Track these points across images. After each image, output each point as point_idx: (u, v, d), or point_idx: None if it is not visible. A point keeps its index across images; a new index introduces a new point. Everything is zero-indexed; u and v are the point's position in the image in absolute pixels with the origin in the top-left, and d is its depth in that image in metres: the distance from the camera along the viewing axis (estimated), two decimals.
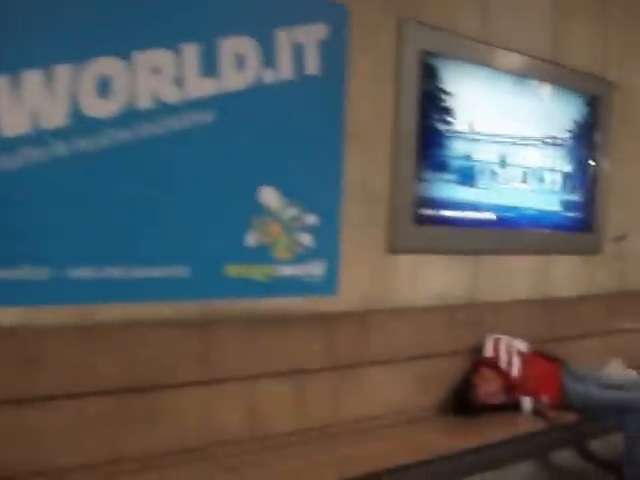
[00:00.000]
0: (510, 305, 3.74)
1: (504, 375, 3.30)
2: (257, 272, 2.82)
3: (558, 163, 3.99)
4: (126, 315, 2.47)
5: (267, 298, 2.86)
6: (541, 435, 3.28)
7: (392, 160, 3.22)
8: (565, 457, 3.57)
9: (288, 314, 2.91)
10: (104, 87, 2.37)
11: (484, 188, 3.60)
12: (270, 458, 2.55)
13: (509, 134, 3.70)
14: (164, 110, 2.50)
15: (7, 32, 2.20)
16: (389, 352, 3.15)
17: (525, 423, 3.21)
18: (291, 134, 2.85)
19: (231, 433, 2.67)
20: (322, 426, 2.91)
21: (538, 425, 3.20)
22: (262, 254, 2.81)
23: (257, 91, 2.72)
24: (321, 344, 2.95)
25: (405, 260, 3.32)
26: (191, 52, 2.56)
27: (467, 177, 3.53)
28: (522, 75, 3.76)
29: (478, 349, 3.41)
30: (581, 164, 4.12)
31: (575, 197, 4.10)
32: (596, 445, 3.66)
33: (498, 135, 3.65)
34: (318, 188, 2.96)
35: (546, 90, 3.91)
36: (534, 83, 3.84)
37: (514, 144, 3.73)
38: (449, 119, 3.41)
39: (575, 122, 4.06)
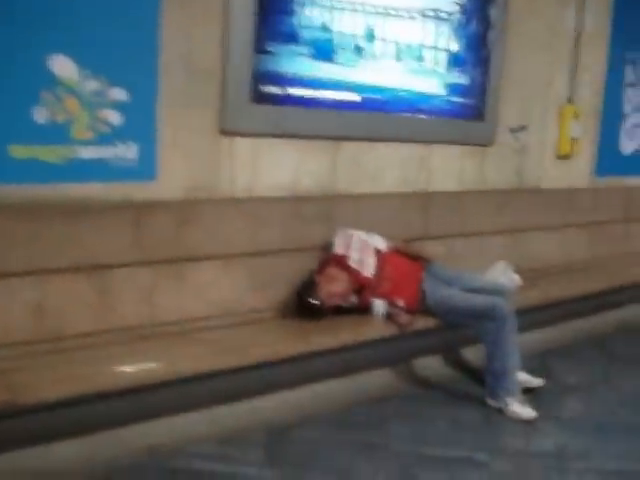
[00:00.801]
0: (375, 198, 3.37)
1: (353, 275, 2.97)
2: (49, 154, 2.54)
3: (442, 41, 3.49)
4: None
5: (63, 183, 2.56)
6: (400, 341, 3.03)
7: (224, 27, 2.77)
8: (429, 364, 3.33)
9: (88, 202, 2.56)
10: None
11: (346, 65, 3.15)
12: (57, 360, 2.30)
13: (379, 3, 3.21)
14: None
15: None
16: (216, 247, 2.83)
17: (381, 328, 2.93)
18: None
19: (16, 334, 2.40)
20: (133, 327, 2.62)
21: (393, 330, 2.92)
22: (56, 133, 2.53)
23: None
24: (129, 236, 2.63)
25: (243, 144, 2.93)
26: None
27: (324, 51, 3.06)
28: None
29: (329, 246, 3.07)
30: (472, 44, 3.61)
31: (463, 80, 3.62)
32: (469, 353, 3.42)
33: (364, 3, 3.16)
34: (127, 59, 2.61)
35: None
36: None
37: (385, 15, 3.24)
38: None
39: None
